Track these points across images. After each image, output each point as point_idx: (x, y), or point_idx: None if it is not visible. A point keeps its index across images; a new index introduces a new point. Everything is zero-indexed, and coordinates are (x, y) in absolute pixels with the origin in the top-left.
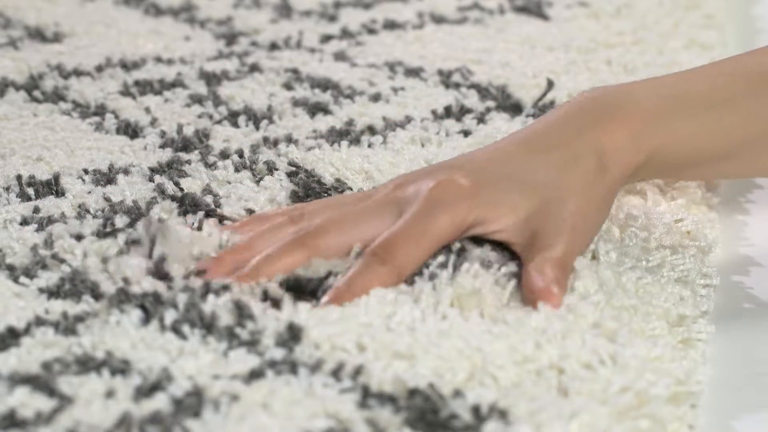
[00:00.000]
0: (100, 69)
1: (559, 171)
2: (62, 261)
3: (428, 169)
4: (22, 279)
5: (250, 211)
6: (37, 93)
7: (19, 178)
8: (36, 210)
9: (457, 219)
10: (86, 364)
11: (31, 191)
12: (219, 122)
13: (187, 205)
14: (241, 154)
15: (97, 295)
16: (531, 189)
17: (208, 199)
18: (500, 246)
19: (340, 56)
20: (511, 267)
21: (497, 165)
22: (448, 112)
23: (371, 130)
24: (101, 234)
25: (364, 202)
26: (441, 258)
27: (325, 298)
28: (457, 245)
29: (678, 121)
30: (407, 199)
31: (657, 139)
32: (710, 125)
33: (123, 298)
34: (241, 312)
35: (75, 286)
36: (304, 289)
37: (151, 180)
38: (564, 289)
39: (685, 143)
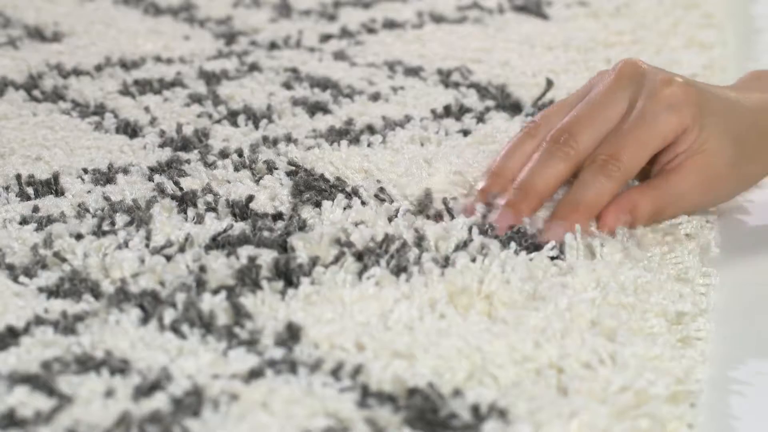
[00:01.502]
0: (99, 68)
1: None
2: (64, 260)
3: (646, 66)
4: (22, 278)
5: None
6: (36, 92)
7: (18, 177)
8: (35, 209)
9: (683, 123)
10: (86, 364)
11: (30, 191)
12: (218, 121)
13: (187, 203)
14: (240, 154)
15: (96, 295)
16: (727, 129)
17: (209, 198)
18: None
19: (339, 55)
20: (510, 259)
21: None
22: (447, 111)
23: (371, 129)
24: (101, 233)
25: (591, 93)
26: (432, 252)
27: (552, 216)
28: (456, 242)
29: None
30: (638, 88)
31: None
32: None
33: (122, 297)
34: (239, 311)
35: (74, 285)
36: (290, 277)
37: (150, 179)
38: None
39: None
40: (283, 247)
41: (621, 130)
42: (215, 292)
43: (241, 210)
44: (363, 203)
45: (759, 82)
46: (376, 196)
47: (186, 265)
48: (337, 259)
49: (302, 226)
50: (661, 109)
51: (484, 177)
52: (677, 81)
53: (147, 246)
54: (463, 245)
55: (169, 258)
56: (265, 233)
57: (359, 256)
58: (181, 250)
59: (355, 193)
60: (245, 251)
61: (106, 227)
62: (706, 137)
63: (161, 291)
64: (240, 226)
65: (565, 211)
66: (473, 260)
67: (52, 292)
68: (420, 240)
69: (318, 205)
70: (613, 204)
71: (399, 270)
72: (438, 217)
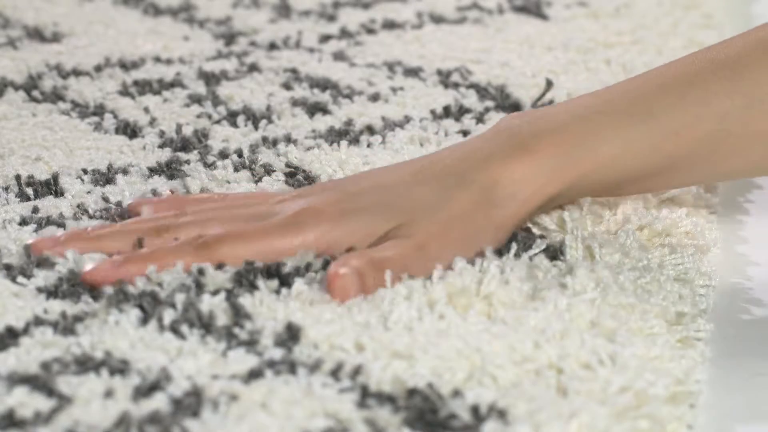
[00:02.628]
0: (99, 69)
1: (440, 194)
2: (54, 264)
3: (303, 193)
4: (20, 279)
5: None
6: (36, 93)
7: (17, 177)
8: (35, 210)
9: (307, 239)
10: (85, 364)
11: (30, 191)
12: (218, 122)
13: None
14: (240, 154)
15: (95, 295)
16: (393, 212)
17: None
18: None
19: (339, 56)
20: (510, 259)
21: (374, 189)
22: (447, 111)
23: (370, 129)
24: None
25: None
26: None
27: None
28: None
29: (601, 144)
30: (273, 211)
31: (580, 165)
32: (635, 144)
33: (121, 297)
34: (239, 312)
35: (73, 286)
36: (281, 277)
37: (150, 179)
38: (362, 287)
39: (611, 165)
40: None
41: (239, 229)
42: (214, 293)
43: None
44: None
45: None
46: None
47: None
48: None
49: None
50: (286, 224)
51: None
52: (315, 209)
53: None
54: None
55: None
56: None
57: None
58: None
59: None
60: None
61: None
62: (364, 231)
63: (160, 292)
64: None
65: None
66: (472, 261)
67: (51, 293)
68: None
69: None
70: None
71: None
72: None
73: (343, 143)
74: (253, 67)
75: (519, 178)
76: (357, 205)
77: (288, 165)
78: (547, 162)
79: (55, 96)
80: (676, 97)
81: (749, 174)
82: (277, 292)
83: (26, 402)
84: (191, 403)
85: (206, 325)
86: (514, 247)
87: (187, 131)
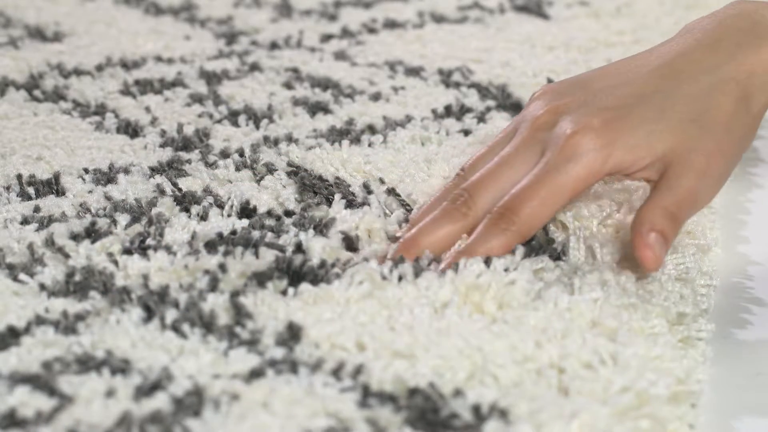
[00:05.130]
0: (100, 68)
1: (701, 102)
2: (67, 256)
3: (570, 102)
4: (22, 277)
5: None
6: (37, 92)
7: (19, 177)
8: (36, 209)
9: (592, 170)
10: (86, 364)
11: (31, 190)
12: (219, 121)
13: (187, 203)
14: (241, 153)
15: (104, 292)
16: (669, 126)
17: (209, 199)
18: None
19: (340, 55)
20: (516, 258)
21: (635, 100)
22: (448, 111)
23: (371, 129)
24: (102, 233)
25: (510, 142)
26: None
27: (442, 264)
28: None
29: None
30: (547, 141)
31: None
32: None
33: (123, 297)
34: (240, 311)
35: (76, 284)
36: (303, 276)
37: (152, 179)
38: (668, 244)
39: None
40: (298, 248)
41: (524, 185)
42: (225, 292)
43: (243, 209)
44: (367, 205)
45: (686, 36)
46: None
47: (187, 264)
48: (348, 262)
49: (317, 226)
50: (565, 162)
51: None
52: (587, 127)
53: (151, 246)
54: None
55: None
56: (271, 233)
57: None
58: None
59: (368, 191)
60: (266, 252)
61: (106, 226)
62: (644, 148)
63: (171, 291)
64: (243, 225)
65: (455, 261)
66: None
67: (53, 292)
68: None
69: (328, 200)
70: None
71: (416, 272)
72: None
73: (345, 142)
74: (255, 67)
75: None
76: (625, 121)
77: (289, 164)
78: None
79: (57, 95)
80: None
81: None
82: (284, 292)
83: (27, 401)
84: (192, 402)
85: (207, 325)
86: (519, 248)
87: (189, 131)
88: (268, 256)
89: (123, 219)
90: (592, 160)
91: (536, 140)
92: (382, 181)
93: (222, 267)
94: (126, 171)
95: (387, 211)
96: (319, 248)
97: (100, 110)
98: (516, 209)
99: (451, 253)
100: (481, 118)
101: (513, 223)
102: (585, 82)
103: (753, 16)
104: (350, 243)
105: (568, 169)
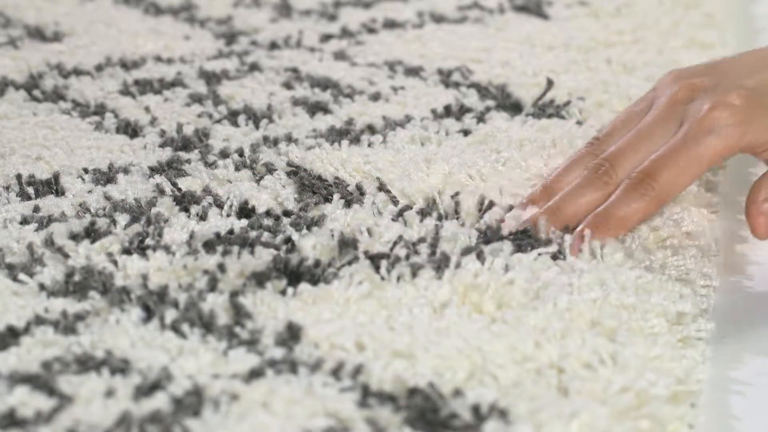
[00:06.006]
0: (99, 68)
1: None
2: (66, 256)
3: (706, 81)
4: (22, 277)
5: None
6: (36, 92)
7: (18, 177)
8: (36, 209)
9: (729, 144)
10: (86, 363)
11: (31, 190)
12: (219, 121)
13: (187, 203)
14: (241, 153)
15: (104, 292)
16: None
17: (209, 198)
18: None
19: (339, 55)
20: (512, 259)
21: None
22: (447, 111)
23: (371, 129)
24: (102, 233)
25: (647, 112)
26: (438, 254)
27: (579, 227)
28: (460, 242)
29: None
30: (685, 115)
31: None
32: None
33: (123, 296)
34: (240, 311)
35: (75, 284)
36: (300, 276)
37: (151, 179)
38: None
39: None
40: (290, 245)
41: (663, 153)
42: (224, 292)
43: (243, 209)
44: (362, 203)
45: None
46: (386, 192)
47: (186, 264)
48: (350, 262)
49: (311, 225)
50: (704, 134)
51: (537, 187)
52: (725, 103)
53: (150, 246)
54: (469, 249)
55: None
56: (268, 233)
57: (371, 259)
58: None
59: (360, 191)
60: (262, 252)
61: (106, 226)
62: None
63: (170, 291)
64: (242, 225)
65: (595, 224)
66: (478, 260)
67: (52, 292)
68: (435, 241)
69: (327, 200)
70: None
71: (414, 271)
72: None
73: (344, 142)
74: (254, 67)
75: None
76: (762, 100)
77: (289, 164)
78: None
79: (56, 95)
80: None
81: None
82: (283, 292)
83: (27, 401)
84: (192, 402)
85: (207, 325)
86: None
87: (188, 130)
88: (264, 255)
89: (122, 219)
90: (729, 134)
91: (674, 113)
92: (380, 183)
93: (221, 267)
94: (125, 171)
95: (379, 209)
96: (310, 246)
97: (100, 110)
98: (655, 175)
99: (589, 219)
100: (481, 118)
101: (652, 189)
102: (716, 66)
103: None
104: (344, 240)
105: (707, 142)
